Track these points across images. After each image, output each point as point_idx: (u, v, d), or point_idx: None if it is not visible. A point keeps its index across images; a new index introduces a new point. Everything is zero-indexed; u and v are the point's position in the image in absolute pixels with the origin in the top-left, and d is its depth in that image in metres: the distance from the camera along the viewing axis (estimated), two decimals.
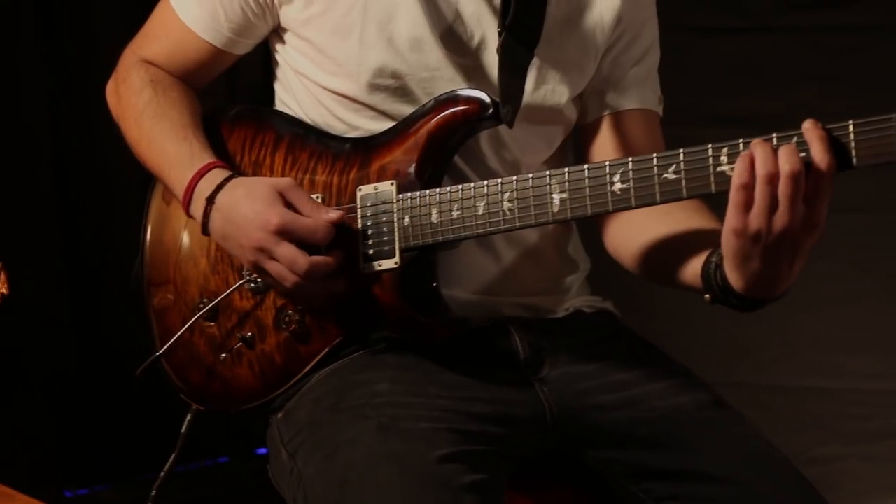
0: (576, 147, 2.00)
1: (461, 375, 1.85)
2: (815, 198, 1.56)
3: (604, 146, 1.95)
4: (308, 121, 1.93)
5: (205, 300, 1.93)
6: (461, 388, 1.83)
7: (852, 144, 1.56)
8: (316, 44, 1.89)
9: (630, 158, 1.69)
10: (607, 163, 1.70)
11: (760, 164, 1.55)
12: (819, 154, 1.54)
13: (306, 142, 1.90)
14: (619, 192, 1.69)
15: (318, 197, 1.85)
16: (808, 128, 1.56)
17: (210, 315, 1.92)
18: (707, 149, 1.63)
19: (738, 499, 1.83)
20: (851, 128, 1.56)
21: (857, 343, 2.68)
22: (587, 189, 1.71)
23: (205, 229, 1.85)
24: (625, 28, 1.93)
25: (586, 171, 1.72)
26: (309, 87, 1.93)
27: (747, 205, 1.57)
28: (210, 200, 1.83)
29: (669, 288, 1.82)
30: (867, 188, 2.72)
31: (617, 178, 1.69)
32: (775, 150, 1.56)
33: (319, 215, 1.79)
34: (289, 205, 1.80)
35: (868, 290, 2.69)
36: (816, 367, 2.71)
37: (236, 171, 1.89)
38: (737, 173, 1.57)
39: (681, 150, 1.66)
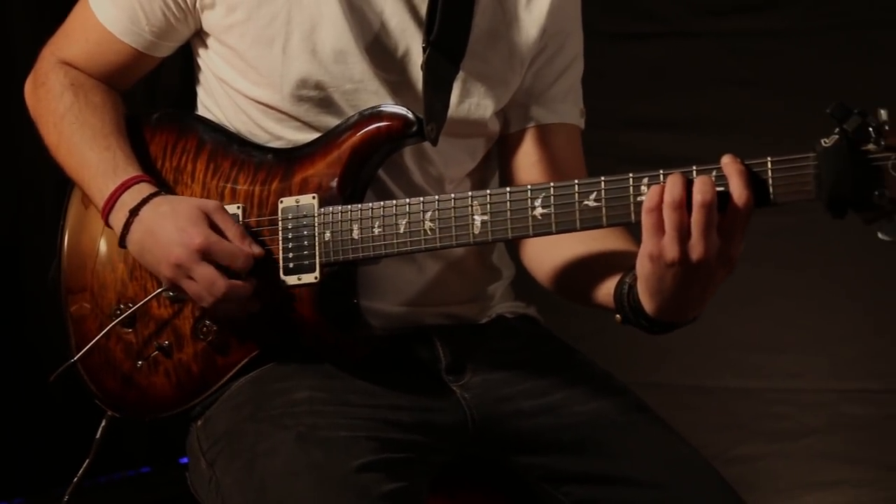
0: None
1: (382, 383, 1.84)
2: (731, 231, 1.58)
3: (524, 159, 1.95)
4: (231, 128, 1.92)
5: (122, 306, 1.90)
6: (382, 396, 1.83)
7: (770, 181, 1.58)
8: (238, 51, 1.87)
9: (552, 184, 1.69)
10: (529, 187, 1.71)
11: (668, 191, 1.58)
12: (737, 188, 1.56)
13: (228, 150, 1.89)
14: (539, 217, 1.69)
15: (238, 207, 1.84)
16: (727, 162, 1.58)
17: (127, 321, 1.89)
18: (628, 178, 1.65)
19: (658, 502, 1.84)
20: (769, 164, 1.58)
21: (777, 343, 2.72)
22: (508, 213, 1.72)
23: (122, 241, 1.83)
24: (548, 41, 1.93)
25: (508, 194, 1.72)
26: (231, 95, 1.91)
27: (657, 229, 1.59)
28: (133, 212, 1.81)
29: (581, 305, 1.84)
30: None
31: (538, 202, 1.70)
32: (689, 181, 1.58)
33: (242, 244, 1.78)
34: (213, 226, 1.79)
35: (787, 291, 2.73)
36: (737, 367, 2.74)
37: (157, 176, 1.87)
38: (647, 198, 1.60)
39: (602, 179, 1.67)
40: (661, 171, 1.61)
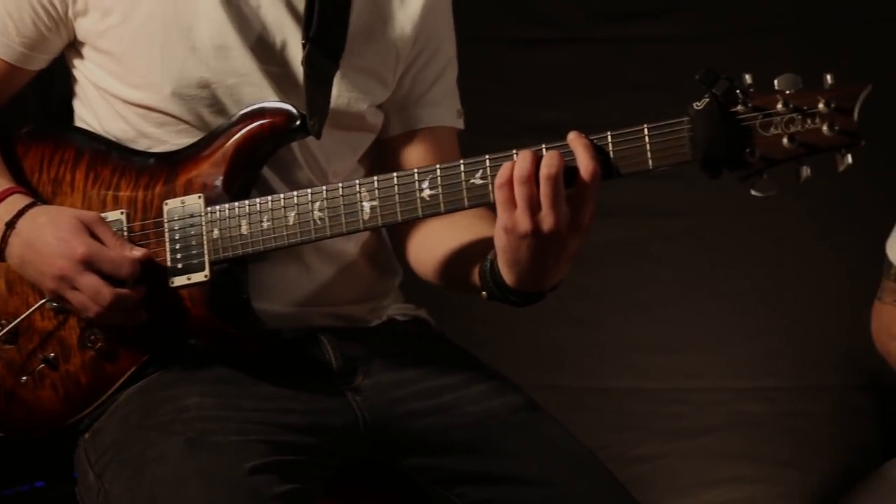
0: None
1: (274, 387, 1.85)
2: (579, 202, 1.65)
3: (405, 162, 1.99)
4: (111, 137, 1.90)
5: (3, 322, 1.87)
6: (274, 400, 1.84)
7: (648, 148, 1.65)
8: (116, 55, 1.87)
9: (438, 165, 1.74)
10: (416, 170, 1.75)
11: (517, 166, 1.65)
12: (583, 160, 1.64)
13: (108, 158, 1.88)
14: (428, 199, 1.73)
15: (122, 213, 1.83)
16: (573, 138, 1.66)
17: (8, 337, 1.87)
18: (512, 154, 1.69)
19: (549, 500, 1.87)
20: (609, 138, 1.66)
21: (675, 344, 2.77)
22: (397, 196, 1.75)
23: (1, 255, 1.81)
24: (424, 44, 1.96)
25: (395, 178, 1.75)
26: (110, 102, 1.90)
27: (509, 203, 1.65)
28: (10, 225, 1.80)
29: (462, 293, 1.87)
30: (681, 193, 2.80)
31: (426, 184, 1.73)
32: (539, 156, 1.64)
33: (123, 251, 1.78)
34: (93, 237, 1.78)
35: (684, 292, 2.78)
36: (637, 368, 2.78)
37: (34, 189, 1.86)
38: (499, 174, 1.66)
39: (487, 157, 1.72)
40: (514, 151, 1.68)
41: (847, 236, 2.51)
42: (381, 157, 2.02)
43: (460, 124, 2.04)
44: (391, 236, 2.04)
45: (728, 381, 2.74)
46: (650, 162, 1.65)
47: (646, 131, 1.65)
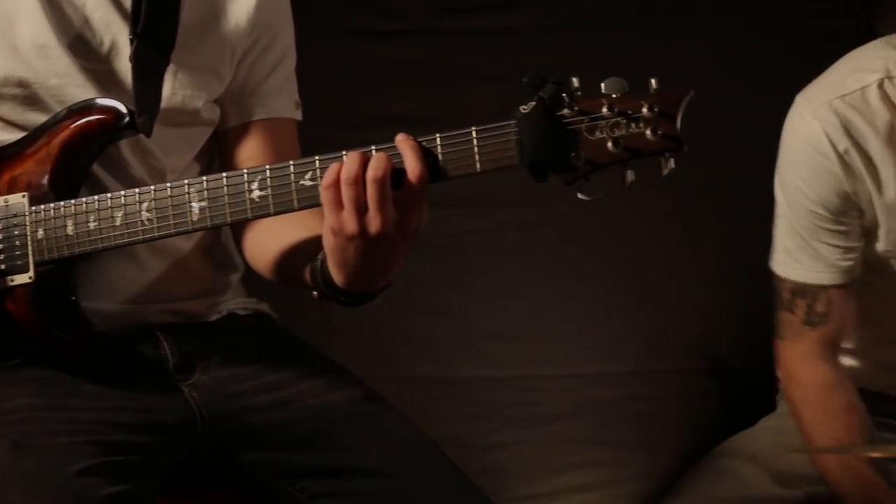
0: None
1: (106, 385, 1.83)
2: (407, 204, 1.65)
3: (242, 153, 1.97)
4: None
5: None
6: (105, 399, 1.81)
7: (475, 150, 1.66)
8: None
9: (267, 166, 1.72)
10: (245, 171, 1.73)
11: (344, 167, 1.64)
12: (410, 163, 1.63)
13: None
14: (257, 200, 1.72)
15: None
16: (400, 140, 1.66)
17: None
18: (341, 156, 1.68)
19: (390, 490, 1.88)
20: (438, 140, 1.66)
21: (526, 332, 2.79)
22: (226, 197, 1.74)
23: None
24: (259, 34, 1.95)
25: (224, 179, 1.74)
26: None
27: (336, 204, 1.65)
28: None
29: (298, 289, 1.87)
30: (528, 183, 2.81)
31: (255, 185, 1.72)
32: (366, 157, 1.64)
33: None
34: None
35: (533, 281, 2.80)
36: (490, 357, 2.80)
37: None
38: (325, 175, 1.66)
39: (316, 158, 1.71)
40: (344, 152, 1.67)
41: (693, 224, 2.56)
42: (220, 150, 2.00)
43: (298, 115, 2.04)
44: (232, 231, 2.03)
45: (578, 368, 2.77)
46: (478, 165, 1.66)
47: (474, 134, 1.65)
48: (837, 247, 2.21)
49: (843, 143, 2.13)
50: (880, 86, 2.12)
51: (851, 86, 2.13)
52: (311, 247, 1.82)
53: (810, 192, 2.18)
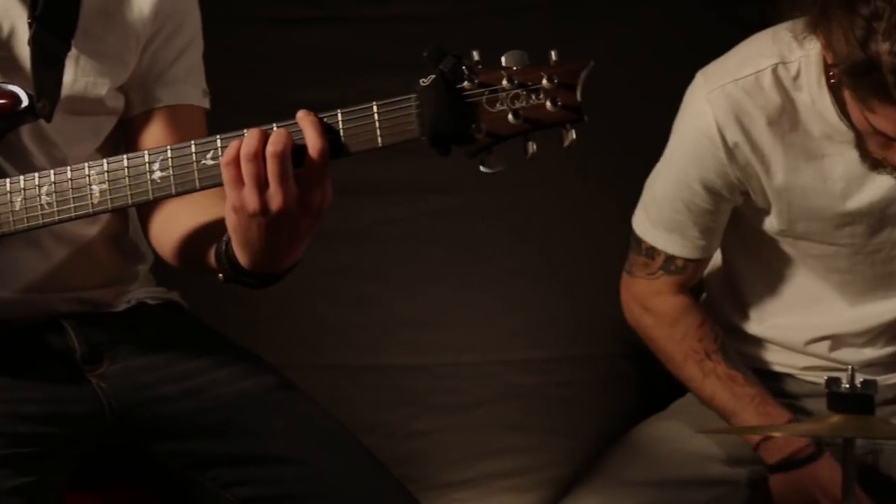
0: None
1: (10, 376, 1.81)
2: (310, 181, 1.63)
3: (148, 141, 1.95)
4: None
5: None
6: (10, 390, 1.79)
7: (377, 125, 1.65)
8: None
9: (168, 146, 1.71)
10: (147, 151, 1.71)
11: (244, 143, 1.63)
12: (311, 138, 1.62)
13: None
14: (158, 181, 1.70)
15: None
16: (301, 116, 1.64)
17: None
18: (243, 133, 1.66)
19: (303, 477, 1.88)
20: (339, 116, 1.65)
21: (447, 319, 2.78)
22: (127, 179, 1.71)
23: None
24: (164, 21, 1.93)
25: (125, 160, 1.72)
26: None
27: (236, 181, 1.63)
28: None
29: (205, 275, 1.85)
30: (449, 170, 2.80)
31: (156, 166, 1.70)
32: (266, 134, 1.63)
33: None
34: None
35: (454, 268, 2.79)
36: (412, 344, 2.79)
37: None
38: (225, 152, 1.65)
39: (217, 137, 1.70)
40: (246, 130, 1.66)
41: (617, 210, 2.56)
42: (125, 139, 1.98)
43: (206, 103, 2.01)
44: (139, 220, 2.01)
45: (499, 354, 2.78)
46: (380, 140, 1.64)
47: (375, 108, 1.65)
48: (697, 224, 2.26)
49: (732, 131, 2.17)
50: (774, 71, 2.15)
51: (746, 70, 2.16)
52: (216, 230, 1.80)
53: (692, 170, 2.22)
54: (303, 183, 1.63)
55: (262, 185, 1.62)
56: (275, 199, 1.62)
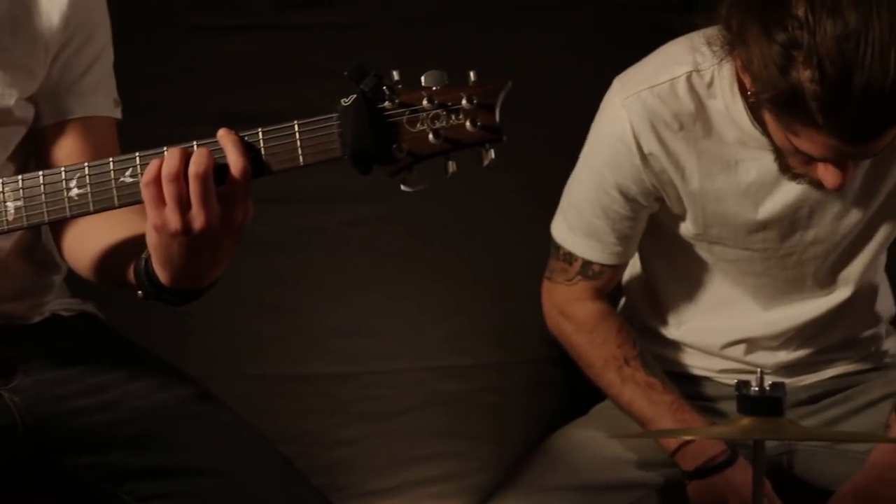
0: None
1: None
2: (232, 199, 1.64)
3: (59, 152, 1.93)
4: None
5: None
6: None
7: (298, 144, 1.66)
8: None
9: (86, 163, 1.70)
10: (63, 168, 1.70)
11: (165, 163, 1.63)
12: (233, 158, 1.62)
13: None
14: (76, 198, 1.69)
15: None
16: (222, 135, 1.64)
17: None
18: (162, 151, 1.66)
19: (221, 489, 1.87)
20: (261, 135, 1.65)
21: (374, 327, 2.78)
22: (43, 196, 1.71)
23: None
24: (74, 31, 1.91)
25: (41, 177, 1.71)
26: None
27: (157, 201, 1.63)
28: None
29: (122, 290, 1.84)
30: (373, 178, 2.80)
31: (73, 183, 1.69)
32: (187, 153, 1.63)
33: None
34: None
35: (382, 276, 2.79)
36: (338, 353, 2.78)
37: None
38: (146, 172, 1.64)
39: (137, 154, 1.69)
40: (166, 148, 1.66)
41: (542, 217, 2.58)
42: (36, 150, 1.96)
43: (118, 114, 2.00)
44: (51, 232, 1.99)
45: (424, 361, 2.78)
46: (301, 159, 1.65)
47: (296, 128, 1.65)
48: (615, 230, 2.28)
49: (647, 138, 2.19)
50: (688, 78, 2.17)
51: (662, 77, 2.18)
52: (133, 246, 1.79)
53: (609, 176, 2.24)
54: (225, 202, 1.63)
55: (184, 205, 1.62)
56: (197, 218, 1.62)
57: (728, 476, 2.22)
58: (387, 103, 1.63)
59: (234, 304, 2.73)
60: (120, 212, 1.76)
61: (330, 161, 1.68)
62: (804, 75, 1.89)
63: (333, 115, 1.64)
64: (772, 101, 1.95)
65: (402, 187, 1.67)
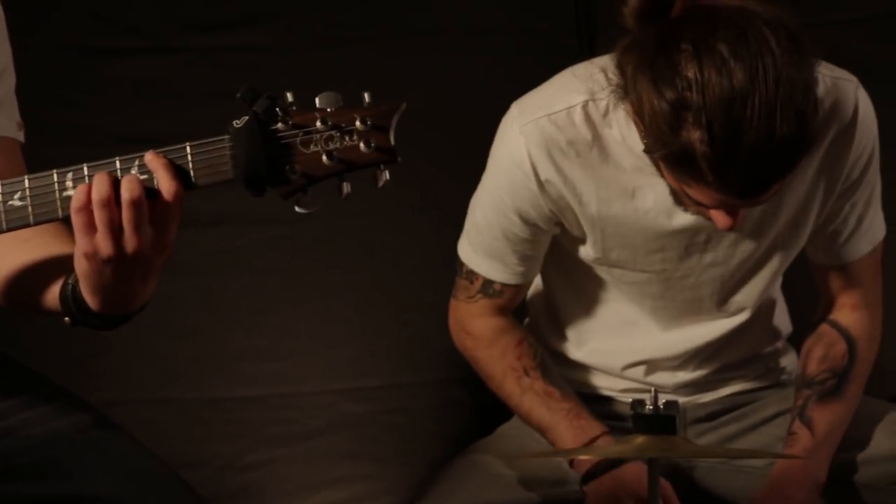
0: None
1: None
2: (164, 221, 1.64)
3: None
4: None
5: None
6: None
7: (190, 166, 1.66)
8: None
9: (25, 176, 1.68)
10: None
11: (94, 189, 1.61)
12: (164, 181, 1.62)
13: None
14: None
15: None
16: (150, 158, 1.64)
17: None
18: (52, 174, 1.66)
19: None
20: (189, 150, 1.65)
21: (281, 350, 2.77)
22: None
23: None
24: None
25: None
26: None
27: (88, 228, 1.62)
28: None
29: (35, 314, 1.82)
30: (277, 200, 2.80)
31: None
32: (115, 178, 1.62)
33: None
34: None
35: (290, 298, 2.78)
36: (245, 377, 2.77)
37: None
38: (74, 198, 1.62)
39: (26, 177, 1.68)
40: (86, 165, 1.66)
41: (444, 236, 2.59)
42: None
43: (21, 136, 1.98)
44: None
45: (332, 384, 2.78)
46: (193, 180, 1.65)
47: (188, 149, 1.65)
48: (516, 252, 2.31)
49: (544, 166, 2.21)
50: (584, 107, 2.19)
51: (558, 105, 2.20)
52: (51, 269, 1.78)
53: (508, 200, 2.27)
54: (158, 223, 1.63)
55: (116, 231, 1.61)
56: (130, 243, 1.61)
57: (616, 475, 2.25)
58: (279, 125, 1.64)
59: (138, 329, 2.65)
60: (33, 232, 1.76)
61: (222, 183, 1.68)
62: (694, 136, 1.91)
63: (225, 136, 1.65)
64: (663, 158, 1.98)
65: (297, 209, 1.68)
